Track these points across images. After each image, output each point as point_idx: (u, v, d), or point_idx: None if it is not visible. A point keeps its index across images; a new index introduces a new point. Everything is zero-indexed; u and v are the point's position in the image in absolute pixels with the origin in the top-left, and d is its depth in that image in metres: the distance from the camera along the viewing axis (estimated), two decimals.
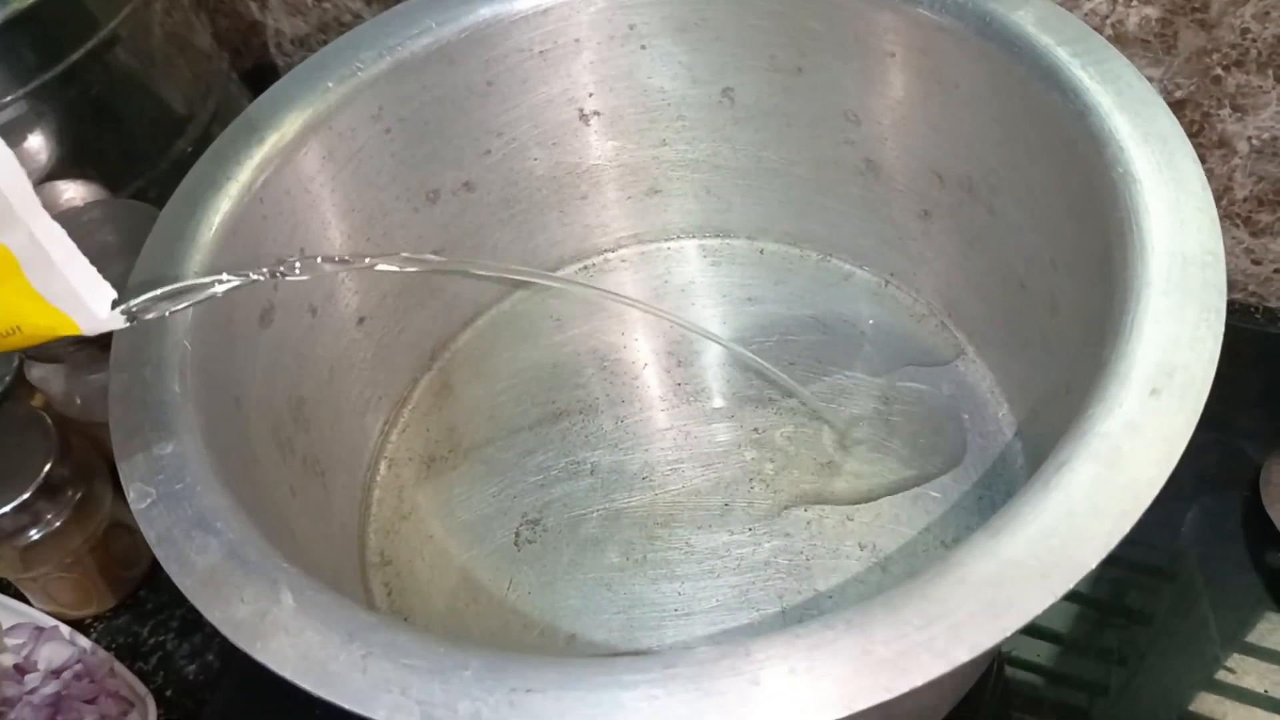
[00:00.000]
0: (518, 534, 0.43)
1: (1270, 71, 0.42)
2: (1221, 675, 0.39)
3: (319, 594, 0.26)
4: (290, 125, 0.39)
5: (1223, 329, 0.27)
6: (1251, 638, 0.40)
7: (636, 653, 0.39)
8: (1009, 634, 0.23)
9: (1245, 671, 0.39)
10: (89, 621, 0.47)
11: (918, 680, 0.22)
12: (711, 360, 0.47)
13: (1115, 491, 0.25)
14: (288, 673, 0.25)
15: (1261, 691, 0.39)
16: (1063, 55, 0.34)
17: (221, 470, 0.30)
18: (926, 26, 0.38)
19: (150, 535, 0.28)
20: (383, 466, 0.46)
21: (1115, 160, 0.32)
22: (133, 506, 0.28)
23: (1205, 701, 0.39)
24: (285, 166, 0.38)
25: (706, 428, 0.45)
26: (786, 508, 0.42)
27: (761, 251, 0.50)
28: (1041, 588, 0.23)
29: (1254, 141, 0.46)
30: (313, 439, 0.40)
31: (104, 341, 0.33)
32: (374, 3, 0.59)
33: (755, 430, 0.44)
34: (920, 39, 0.39)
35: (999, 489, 0.41)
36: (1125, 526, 0.24)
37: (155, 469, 0.29)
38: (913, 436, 0.43)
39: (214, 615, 0.26)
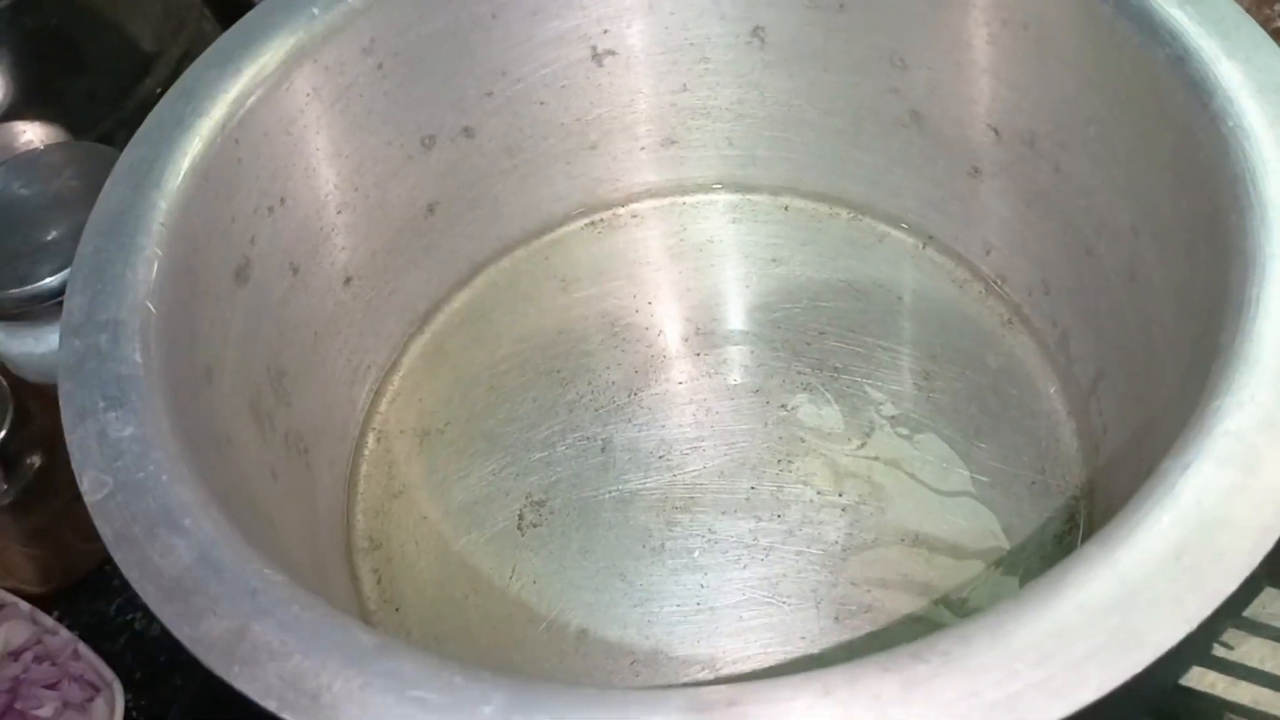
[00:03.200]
0: (521, 516, 0.39)
1: None
2: (1217, 650, 0.37)
3: (307, 609, 0.22)
4: (271, 57, 0.34)
5: None
6: (1249, 613, 0.37)
7: (656, 651, 0.35)
8: (1138, 671, 0.19)
9: (1240, 646, 0.37)
10: (50, 598, 0.43)
11: None
12: (734, 328, 0.43)
13: (1253, 501, 0.21)
14: (272, 704, 0.21)
15: (1258, 666, 0.36)
16: None
17: (190, 455, 0.26)
18: None
19: (107, 533, 0.24)
20: (370, 440, 0.42)
21: (1223, 113, 0.28)
22: (87, 499, 0.24)
23: (1199, 675, 0.36)
24: (264, 104, 0.34)
25: (730, 403, 0.41)
26: (820, 492, 0.38)
27: (786, 208, 0.46)
28: (1175, 616, 0.20)
29: None
30: (295, 413, 0.36)
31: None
32: None
33: (783, 407, 0.40)
34: None
35: (1052, 474, 0.38)
36: (1268, 543, 0.21)
37: (113, 454, 0.25)
38: (957, 414, 0.40)
39: (183, 632, 0.22)
